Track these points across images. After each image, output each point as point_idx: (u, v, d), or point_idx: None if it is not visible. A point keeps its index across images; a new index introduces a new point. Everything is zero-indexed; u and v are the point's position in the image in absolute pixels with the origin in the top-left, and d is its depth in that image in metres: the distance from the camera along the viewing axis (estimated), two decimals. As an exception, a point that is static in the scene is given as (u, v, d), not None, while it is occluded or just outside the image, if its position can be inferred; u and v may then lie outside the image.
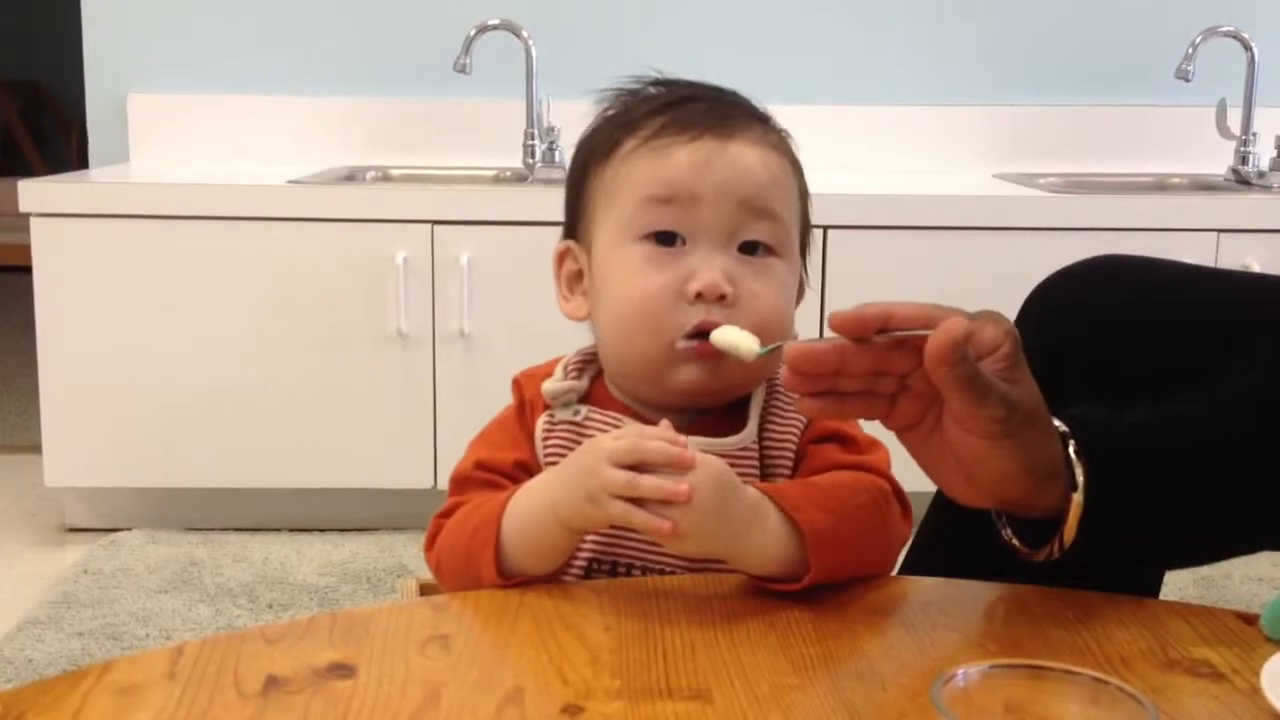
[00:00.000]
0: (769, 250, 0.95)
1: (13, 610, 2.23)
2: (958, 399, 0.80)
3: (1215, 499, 0.89)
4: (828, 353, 0.81)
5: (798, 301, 1.01)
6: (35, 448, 2.61)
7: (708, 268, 0.92)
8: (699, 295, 0.92)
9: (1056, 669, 0.65)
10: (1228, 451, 0.90)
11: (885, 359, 0.82)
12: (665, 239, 0.94)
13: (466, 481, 0.98)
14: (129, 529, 2.60)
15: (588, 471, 0.85)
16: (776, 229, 0.95)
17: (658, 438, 0.84)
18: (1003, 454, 0.81)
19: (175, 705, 0.71)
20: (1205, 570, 2.26)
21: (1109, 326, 1.10)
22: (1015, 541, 0.89)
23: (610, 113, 0.99)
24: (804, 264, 1.01)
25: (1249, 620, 0.84)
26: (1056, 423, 0.85)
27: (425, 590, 0.97)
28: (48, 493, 2.68)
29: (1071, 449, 0.85)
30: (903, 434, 0.86)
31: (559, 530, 0.88)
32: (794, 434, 0.96)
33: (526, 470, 0.96)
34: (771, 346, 0.88)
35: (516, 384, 1.01)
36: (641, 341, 0.94)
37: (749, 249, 0.94)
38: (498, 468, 0.97)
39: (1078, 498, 0.84)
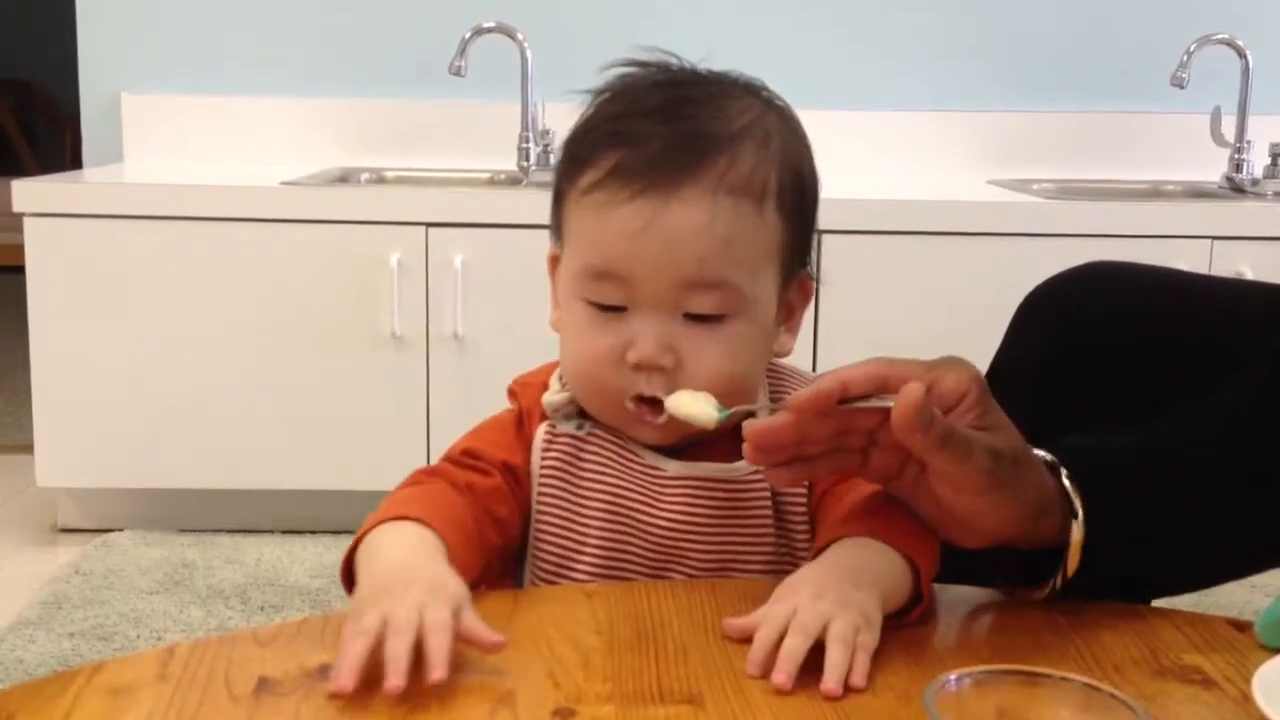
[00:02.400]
0: (719, 314, 0.91)
1: (4, 611, 2.22)
2: (940, 461, 0.78)
3: (1211, 522, 0.89)
4: (787, 428, 0.80)
5: (805, 304, 0.99)
6: (27, 448, 2.60)
7: (645, 337, 0.89)
8: (638, 364, 0.90)
9: (1049, 675, 0.65)
10: (1222, 474, 0.89)
11: (849, 419, 0.80)
12: (607, 305, 0.91)
13: (447, 463, 0.95)
14: (121, 530, 2.59)
15: (405, 597, 0.74)
16: (723, 295, 0.90)
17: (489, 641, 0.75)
18: (997, 504, 0.80)
19: (166, 707, 0.71)
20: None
21: (1100, 333, 1.09)
22: (1017, 581, 0.87)
23: (603, 98, 0.94)
24: (806, 264, 0.98)
25: (1241, 627, 0.84)
26: (1041, 453, 0.84)
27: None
28: (40, 493, 2.67)
29: (1064, 477, 0.83)
30: (888, 486, 0.85)
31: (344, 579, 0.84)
32: None
33: (511, 473, 0.95)
34: (728, 412, 0.86)
35: (513, 393, 1.00)
36: (593, 400, 0.94)
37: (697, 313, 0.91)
38: (484, 457, 0.95)
39: (1078, 526, 0.83)
